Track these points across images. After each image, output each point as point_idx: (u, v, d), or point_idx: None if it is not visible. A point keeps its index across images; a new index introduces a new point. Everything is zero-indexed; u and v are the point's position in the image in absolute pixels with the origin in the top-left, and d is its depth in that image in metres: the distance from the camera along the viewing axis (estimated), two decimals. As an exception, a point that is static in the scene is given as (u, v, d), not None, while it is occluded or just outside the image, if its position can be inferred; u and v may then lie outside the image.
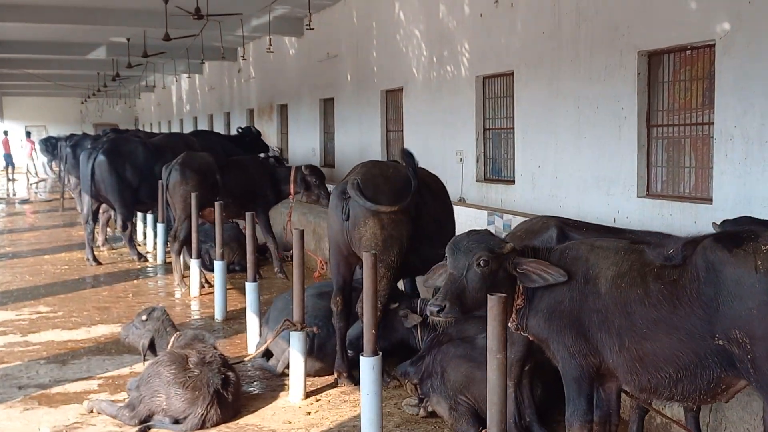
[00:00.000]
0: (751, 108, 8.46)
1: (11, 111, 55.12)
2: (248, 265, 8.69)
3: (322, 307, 7.60)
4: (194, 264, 11.43)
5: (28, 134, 44.22)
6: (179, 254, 11.94)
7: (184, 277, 11.94)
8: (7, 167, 42.25)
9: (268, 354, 7.83)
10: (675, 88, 9.79)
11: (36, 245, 16.88)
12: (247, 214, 8.85)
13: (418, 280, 7.87)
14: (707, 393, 4.33)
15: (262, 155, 16.92)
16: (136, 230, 16.38)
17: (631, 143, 10.22)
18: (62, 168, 25.66)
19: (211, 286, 11.87)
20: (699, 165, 9.53)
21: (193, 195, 11.04)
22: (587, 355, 4.55)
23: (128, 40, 26.68)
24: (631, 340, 4.38)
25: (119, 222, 13.96)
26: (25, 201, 27.83)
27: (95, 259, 14.25)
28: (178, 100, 42.88)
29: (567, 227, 5.56)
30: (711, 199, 9.08)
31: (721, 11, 8.75)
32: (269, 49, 21.50)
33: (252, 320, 8.60)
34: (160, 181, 13.56)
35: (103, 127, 51.85)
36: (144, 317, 7.13)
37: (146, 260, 14.59)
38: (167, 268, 13.73)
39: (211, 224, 12.27)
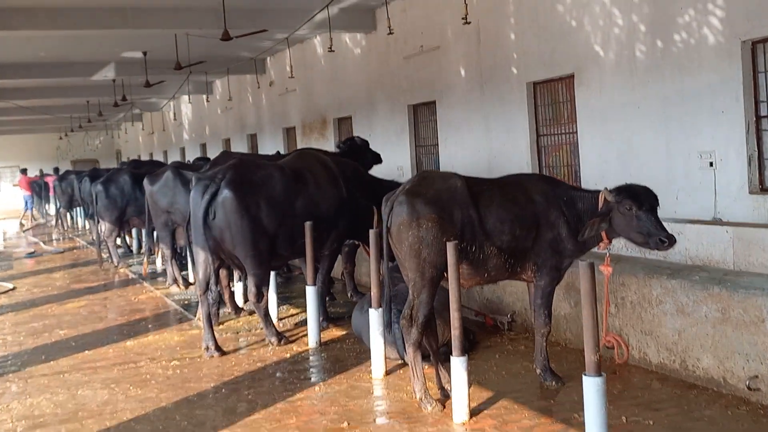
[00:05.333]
0: None
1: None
2: None
3: None
4: (459, 364, 6.58)
5: (24, 171, 38.44)
6: (418, 346, 7.06)
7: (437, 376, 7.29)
8: (26, 211, 36.52)
9: None
10: None
11: (112, 329, 11.44)
12: None
13: None
14: None
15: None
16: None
17: None
18: (88, 210, 20.51)
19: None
20: None
21: (449, 245, 6.49)
22: None
23: (145, 54, 22.11)
24: None
25: (252, 288, 9.29)
26: (31, 254, 22.61)
27: (218, 347, 9.42)
28: (177, 127, 37.88)
29: None
30: None
31: None
32: (330, 48, 16.93)
33: None
34: (307, 223, 9.14)
35: (82, 164, 46.51)
36: None
37: (288, 342, 9.76)
38: (330, 355, 9.22)
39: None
